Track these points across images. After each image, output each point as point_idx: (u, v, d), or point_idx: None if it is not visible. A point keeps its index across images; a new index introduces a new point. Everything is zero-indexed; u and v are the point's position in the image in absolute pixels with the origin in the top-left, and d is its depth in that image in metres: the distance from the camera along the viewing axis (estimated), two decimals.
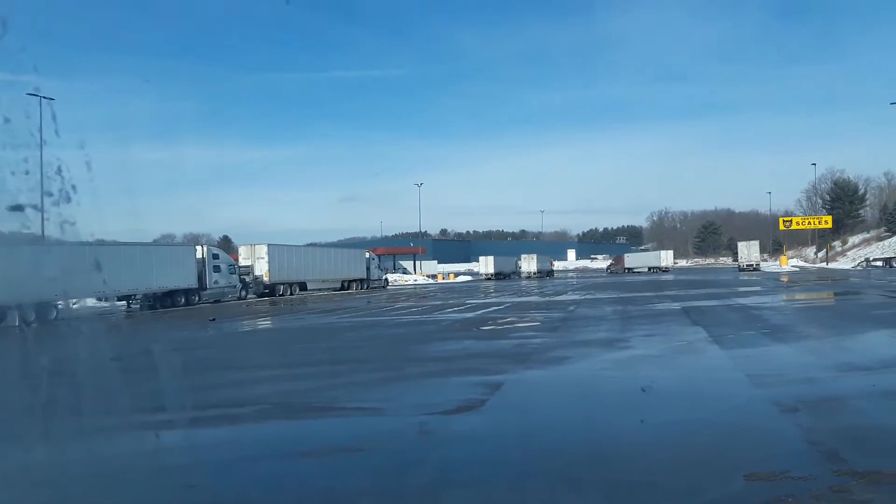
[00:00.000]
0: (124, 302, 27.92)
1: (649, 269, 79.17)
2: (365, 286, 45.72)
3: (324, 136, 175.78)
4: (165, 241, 55.30)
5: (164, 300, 28.64)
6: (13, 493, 4.31)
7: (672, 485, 4.31)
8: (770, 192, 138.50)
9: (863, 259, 58.73)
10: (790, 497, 3.79)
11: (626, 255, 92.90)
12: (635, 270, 79.62)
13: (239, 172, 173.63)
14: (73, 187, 3.43)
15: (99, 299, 21.74)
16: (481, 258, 70.46)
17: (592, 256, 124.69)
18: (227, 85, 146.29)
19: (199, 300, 30.50)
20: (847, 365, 8.38)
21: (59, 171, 3.41)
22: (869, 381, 7.18)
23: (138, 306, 28.16)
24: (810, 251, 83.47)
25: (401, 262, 75.16)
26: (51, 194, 3.38)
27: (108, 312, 23.01)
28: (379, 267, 50.10)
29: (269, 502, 4.41)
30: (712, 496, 4.03)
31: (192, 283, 29.97)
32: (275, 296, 36.39)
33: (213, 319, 21.20)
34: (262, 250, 36.16)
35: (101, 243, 26.76)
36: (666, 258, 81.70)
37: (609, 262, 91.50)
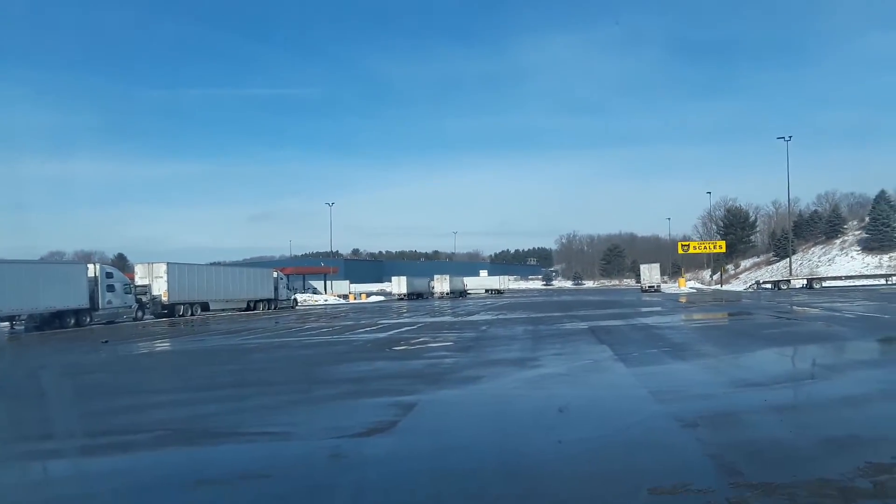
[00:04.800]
0: (7, 323, 26.01)
1: (486, 290, 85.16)
2: (273, 307, 44.48)
3: (232, 153, 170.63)
4: (54, 259, 51.68)
5: (51, 321, 26.93)
6: None
7: (582, 502, 4.39)
8: (669, 219, 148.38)
9: (753, 282, 62.59)
10: None
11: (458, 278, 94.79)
12: (468, 292, 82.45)
13: (139, 189, 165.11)
14: None
15: None
16: (394, 278, 70.27)
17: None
18: (129, 99, 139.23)
19: (90, 321, 28.79)
20: (741, 381, 8.86)
21: None
22: (761, 396, 7.60)
23: (23, 328, 26.44)
24: (706, 274, 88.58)
25: (311, 282, 73.65)
26: None
27: None
28: (288, 287, 48.88)
29: None
30: None
31: (83, 303, 28.27)
32: (174, 317, 34.78)
33: (106, 342, 19.97)
34: (161, 269, 34.61)
35: None
36: (501, 282, 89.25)
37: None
